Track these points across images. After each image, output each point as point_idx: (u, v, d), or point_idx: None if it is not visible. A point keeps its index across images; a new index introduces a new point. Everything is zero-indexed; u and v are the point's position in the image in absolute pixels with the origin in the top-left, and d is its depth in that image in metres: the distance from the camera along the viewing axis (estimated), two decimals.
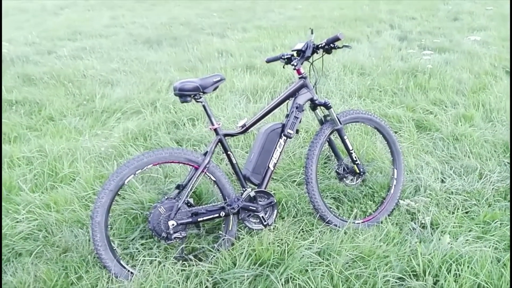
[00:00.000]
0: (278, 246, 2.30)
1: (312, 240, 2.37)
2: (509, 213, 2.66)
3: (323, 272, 2.13)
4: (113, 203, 2.21)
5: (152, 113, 4.10)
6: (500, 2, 10.91)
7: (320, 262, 2.20)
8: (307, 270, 2.15)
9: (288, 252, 2.24)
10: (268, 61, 2.68)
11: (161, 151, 2.22)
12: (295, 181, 3.03)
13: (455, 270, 2.06)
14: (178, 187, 2.32)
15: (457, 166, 3.22)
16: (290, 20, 9.78)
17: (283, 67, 2.74)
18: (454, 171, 3.17)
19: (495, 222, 2.55)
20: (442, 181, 3.04)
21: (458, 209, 2.73)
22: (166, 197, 2.29)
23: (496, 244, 2.35)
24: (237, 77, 5.28)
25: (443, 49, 6.61)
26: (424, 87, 4.72)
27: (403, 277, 2.14)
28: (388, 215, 2.72)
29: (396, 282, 2.13)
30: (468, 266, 2.03)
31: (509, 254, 2.26)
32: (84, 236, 2.46)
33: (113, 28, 9.18)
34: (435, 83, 4.80)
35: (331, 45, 2.44)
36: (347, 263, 2.22)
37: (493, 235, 2.43)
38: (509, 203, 2.79)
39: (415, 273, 2.16)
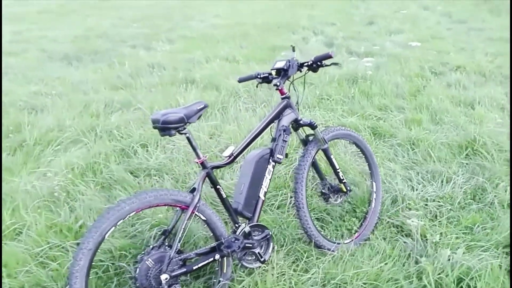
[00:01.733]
0: (283, 284, 2.10)
1: (315, 271, 2.22)
2: (486, 215, 2.75)
3: None
4: None
5: (96, 141, 3.65)
6: (407, 5, 11.79)
7: None
8: None
9: None
10: (241, 81, 2.50)
11: (144, 194, 1.91)
12: (274, 204, 2.86)
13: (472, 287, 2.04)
14: (164, 232, 2.02)
15: (423, 172, 3.28)
16: (214, 29, 9.59)
17: (256, 86, 2.57)
18: (422, 177, 3.22)
19: (477, 227, 2.62)
20: (415, 189, 3.06)
21: (437, 216, 2.77)
22: (151, 247, 1.98)
23: (492, 251, 2.38)
24: (178, 93, 4.96)
25: (371, 54, 6.89)
26: (367, 93, 4.82)
27: None
28: (373, 230, 2.68)
29: None
30: (485, 282, 2.02)
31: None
32: None
33: (20, 44, 8.22)
34: (376, 89, 4.93)
35: (318, 63, 2.32)
36: None
37: (481, 240, 2.48)
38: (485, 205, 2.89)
39: None
